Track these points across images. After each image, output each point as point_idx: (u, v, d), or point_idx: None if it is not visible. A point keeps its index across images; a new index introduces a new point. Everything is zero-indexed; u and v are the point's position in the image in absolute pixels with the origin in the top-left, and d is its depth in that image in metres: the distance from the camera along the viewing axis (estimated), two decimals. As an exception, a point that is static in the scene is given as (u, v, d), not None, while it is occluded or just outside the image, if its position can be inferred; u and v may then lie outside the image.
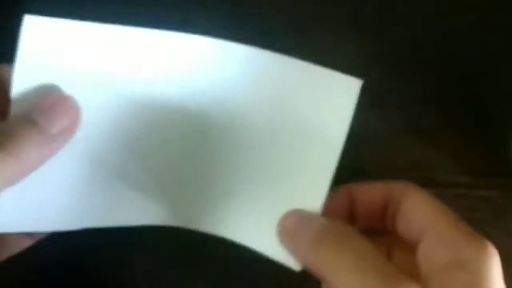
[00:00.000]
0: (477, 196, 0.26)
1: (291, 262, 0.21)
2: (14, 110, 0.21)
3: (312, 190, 0.23)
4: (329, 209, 0.22)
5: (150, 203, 0.24)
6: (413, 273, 0.19)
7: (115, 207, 0.24)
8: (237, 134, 0.24)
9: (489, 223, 0.26)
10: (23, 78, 0.22)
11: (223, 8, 0.27)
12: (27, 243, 0.23)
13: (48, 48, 0.22)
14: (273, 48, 0.27)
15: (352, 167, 0.24)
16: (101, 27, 0.22)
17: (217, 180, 0.24)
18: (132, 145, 0.24)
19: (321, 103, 0.24)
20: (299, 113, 0.24)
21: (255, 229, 0.23)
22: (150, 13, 0.27)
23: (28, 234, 0.23)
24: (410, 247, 0.20)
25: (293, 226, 0.21)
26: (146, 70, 0.23)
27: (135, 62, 0.23)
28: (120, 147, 0.24)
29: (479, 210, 0.26)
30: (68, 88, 0.22)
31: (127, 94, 0.23)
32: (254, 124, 0.24)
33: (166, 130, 0.24)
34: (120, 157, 0.24)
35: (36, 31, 0.22)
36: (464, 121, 0.27)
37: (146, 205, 0.24)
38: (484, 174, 0.27)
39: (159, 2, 0.27)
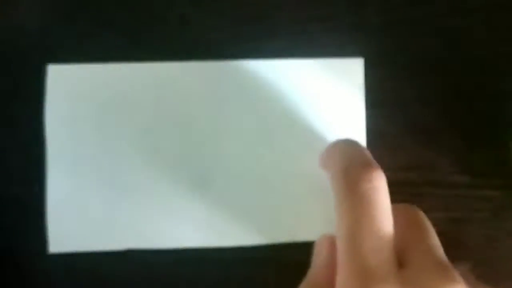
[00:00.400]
0: (477, 196, 0.26)
1: None
2: None
3: None
4: None
5: (192, 226, 0.26)
6: None
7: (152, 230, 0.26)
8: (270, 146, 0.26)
9: (489, 223, 0.26)
10: (54, 121, 0.25)
11: (223, 9, 0.27)
12: None
13: (73, 90, 0.25)
14: (273, 48, 0.27)
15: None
16: (117, 66, 0.25)
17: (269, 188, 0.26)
18: (157, 170, 0.26)
19: (334, 91, 0.26)
20: (319, 108, 0.26)
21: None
22: (153, 16, 0.27)
23: None
24: None
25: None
26: (165, 100, 0.26)
27: (153, 93, 0.26)
28: (145, 173, 0.26)
29: (479, 210, 0.26)
30: (96, 121, 0.25)
31: (152, 123, 0.26)
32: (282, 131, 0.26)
33: (192, 152, 0.26)
34: (151, 181, 0.26)
35: (60, 78, 0.25)
36: (464, 121, 0.27)
37: (190, 228, 0.26)
38: (484, 174, 0.27)
39: (159, 2, 0.27)
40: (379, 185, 0.19)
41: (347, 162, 0.20)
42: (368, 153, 0.21)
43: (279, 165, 0.26)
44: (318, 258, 0.22)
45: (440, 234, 0.26)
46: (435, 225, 0.21)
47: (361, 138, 0.26)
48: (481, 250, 0.26)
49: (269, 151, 0.26)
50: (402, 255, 0.19)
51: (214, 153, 0.26)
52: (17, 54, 0.26)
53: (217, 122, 0.26)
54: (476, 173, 0.27)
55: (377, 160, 0.26)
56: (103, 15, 0.26)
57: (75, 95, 0.25)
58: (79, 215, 0.25)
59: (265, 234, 0.26)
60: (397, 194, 0.27)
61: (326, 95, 0.26)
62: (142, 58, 0.26)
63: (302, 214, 0.26)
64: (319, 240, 0.23)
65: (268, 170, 0.26)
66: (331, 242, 0.22)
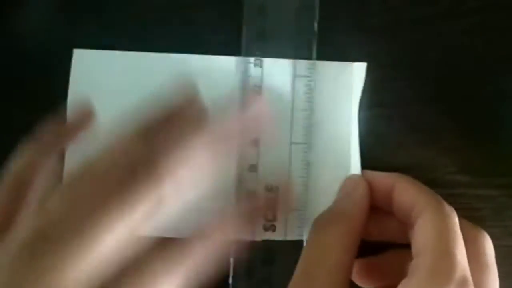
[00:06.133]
0: (477, 195, 0.26)
1: None
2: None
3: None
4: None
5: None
6: None
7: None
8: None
9: (489, 222, 0.26)
10: (75, 103, 0.26)
11: (223, 9, 0.27)
12: None
13: (94, 75, 0.26)
14: (273, 49, 0.27)
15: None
16: (136, 55, 0.26)
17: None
18: None
19: (334, 93, 0.26)
20: (319, 109, 0.26)
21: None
22: (159, 19, 0.27)
23: None
24: None
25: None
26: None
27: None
28: None
29: (479, 209, 0.27)
30: (112, 107, 0.25)
31: None
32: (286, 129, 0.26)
33: None
34: None
35: (84, 62, 0.26)
36: (464, 121, 0.27)
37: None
38: (484, 174, 0.27)
39: (166, 3, 0.27)
40: None
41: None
42: None
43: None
44: (354, 193, 0.24)
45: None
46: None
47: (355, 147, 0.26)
48: (481, 249, 0.26)
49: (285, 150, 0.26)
50: None
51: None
52: (46, 39, 0.27)
53: None
54: (476, 173, 0.27)
55: (378, 160, 0.26)
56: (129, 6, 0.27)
57: (98, 80, 0.26)
58: None
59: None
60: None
61: (324, 97, 0.26)
62: (168, 49, 0.27)
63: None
64: (350, 177, 0.25)
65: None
66: (367, 181, 0.24)
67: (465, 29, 0.27)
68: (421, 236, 0.21)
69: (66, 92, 0.27)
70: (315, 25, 0.26)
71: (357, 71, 0.26)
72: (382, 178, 0.24)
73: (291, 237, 0.26)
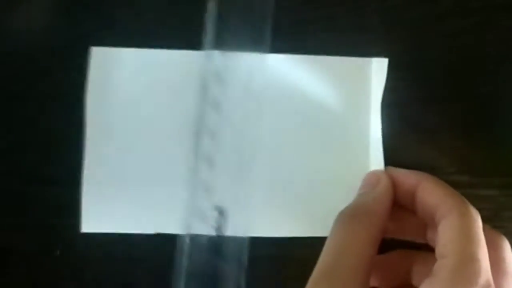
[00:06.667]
0: (477, 195, 0.26)
1: None
2: None
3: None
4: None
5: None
6: None
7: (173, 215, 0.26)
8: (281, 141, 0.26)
9: (489, 222, 0.26)
10: (95, 98, 0.26)
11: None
12: None
13: (113, 72, 0.26)
14: (274, 49, 0.27)
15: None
16: (158, 52, 0.26)
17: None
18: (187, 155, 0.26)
19: (350, 89, 0.26)
20: (334, 105, 0.26)
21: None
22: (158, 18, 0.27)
23: None
24: (432, 263, 0.21)
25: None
26: (204, 86, 0.26)
27: (193, 79, 0.26)
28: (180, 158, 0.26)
29: (479, 210, 0.26)
30: (132, 103, 0.26)
31: (191, 109, 0.26)
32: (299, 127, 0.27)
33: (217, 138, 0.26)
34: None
35: (101, 60, 0.26)
36: (464, 121, 0.27)
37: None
38: (484, 174, 0.27)
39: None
40: None
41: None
42: None
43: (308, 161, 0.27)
44: (376, 188, 0.24)
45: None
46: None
47: (378, 139, 0.26)
48: (481, 249, 0.26)
49: (294, 146, 0.26)
50: None
51: (252, 141, 0.26)
52: (61, 36, 0.27)
53: (254, 111, 0.26)
54: (476, 173, 0.27)
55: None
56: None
57: (116, 78, 0.26)
58: (112, 197, 0.26)
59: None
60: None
61: (344, 93, 0.26)
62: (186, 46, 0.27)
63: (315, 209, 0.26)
64: (373, 172, 0.25)
65: (298, 164, 0.27)
66: (390, 175, 0.24)
67: (466, 29, 0.27)
68: (446, 238, 0.21)
69: (66, 90, 0.27)
70: (269, 16, 0.26)
71: (378, 66, 0.26)
72: (405, 176, 0.24)
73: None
